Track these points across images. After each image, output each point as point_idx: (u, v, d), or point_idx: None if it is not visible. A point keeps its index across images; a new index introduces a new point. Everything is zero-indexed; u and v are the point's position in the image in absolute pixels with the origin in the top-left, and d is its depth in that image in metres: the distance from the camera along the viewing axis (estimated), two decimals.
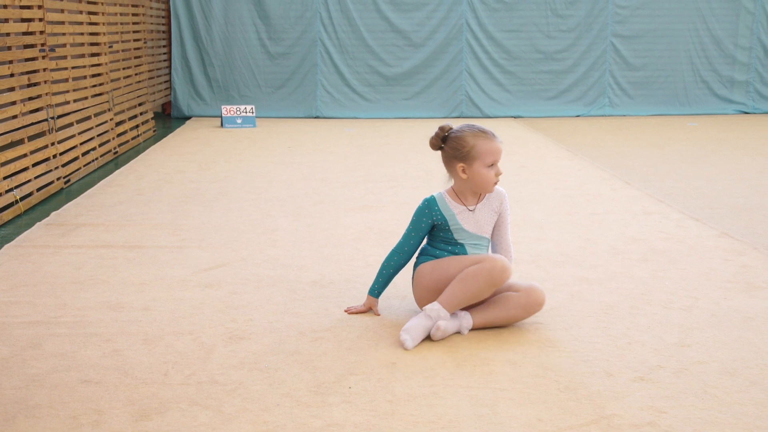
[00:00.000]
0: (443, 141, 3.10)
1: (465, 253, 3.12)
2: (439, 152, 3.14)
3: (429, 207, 3.11)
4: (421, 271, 3.13)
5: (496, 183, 3.08)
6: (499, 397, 2.50)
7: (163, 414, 2.37)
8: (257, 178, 6.14)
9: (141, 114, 8.53)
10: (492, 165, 3.04)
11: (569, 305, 3.32)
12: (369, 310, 3.25)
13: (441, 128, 3.10)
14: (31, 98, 5.56)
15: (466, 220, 3.10)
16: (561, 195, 5.52)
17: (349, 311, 3.25)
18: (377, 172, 6.41)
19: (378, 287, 3.23)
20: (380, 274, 3.23)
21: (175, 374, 2.64)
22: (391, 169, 6.55)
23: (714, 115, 10.63)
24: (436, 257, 3.13)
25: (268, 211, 5.04)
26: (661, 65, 10.68)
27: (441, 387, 2.56)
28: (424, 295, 3.13)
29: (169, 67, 10.65)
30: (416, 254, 3.22)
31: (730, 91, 10.81)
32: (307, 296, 3.43)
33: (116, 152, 7.34)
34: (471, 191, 3.11)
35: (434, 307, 2.95)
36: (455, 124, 3.14)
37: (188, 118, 10.29)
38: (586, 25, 10.49)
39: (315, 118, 10.37)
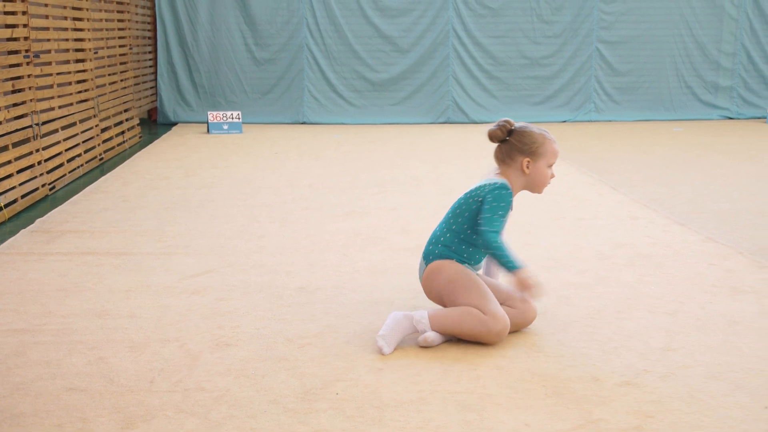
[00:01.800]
0: (509, 134, 3.11)
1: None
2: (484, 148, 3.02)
3: (510, 196, 3.02)
4: (443, 268, 3.04)
5: (546, 185, 3.15)
6: (487, 402, 2.50)
7: (150, 422, 2.36)
8: (244, 184, 6.13)
9: (127, 120, 8.50)
10: (550, 166, 3.11)
11: (556, 310, 3.33)
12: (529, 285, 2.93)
13: (507, 121, 3.12)
14: (15, 104, 5.53)
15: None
16: (548, 200, 5.54)
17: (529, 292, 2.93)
18: (364, 177, 6.41)
19: (516, 261, 2.94)
20: (510, 254, 2.93)
21: (162, 381, 2.63)
22: (377, 174, 6.55)
23: (699, 121, 10.70)
24: (457, 253, 3.06)
25: (255, 217, 5.03)
26: (646, 71, 10.75)
27: (428, 393, 2.56)
28: (431, 293, 3.11)
29: (155, 73, 10.62)
30: (443, 241, 3.09)
31: (715, 96, 10.89)
32: (294, 302, 3.42)
33: (102, 159, 7.31)
34: (522, 187, 3.13)
35: (422, 321, 2.94)
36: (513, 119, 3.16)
37: (174, 124, 10.26)
38: (572, 30, 10.55)
39: (302, 123, 10.36)
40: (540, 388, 2.60)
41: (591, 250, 4.29)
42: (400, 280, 3.74)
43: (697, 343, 2.99)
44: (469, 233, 3.06)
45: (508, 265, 2.94)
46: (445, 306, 3.08)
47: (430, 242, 3.15)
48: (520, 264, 2.93)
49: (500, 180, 3.05)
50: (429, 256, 3.11)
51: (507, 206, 3.01)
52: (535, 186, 3.13)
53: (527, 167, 3.07)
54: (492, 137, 3.14)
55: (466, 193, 3.11)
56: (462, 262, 3.07)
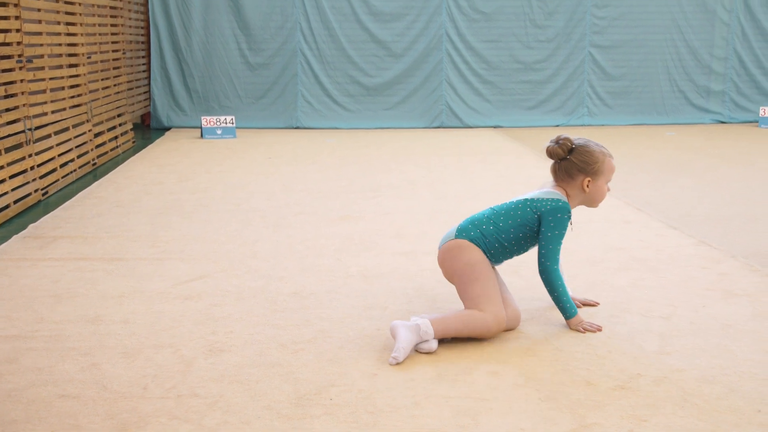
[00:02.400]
0: (569, 152, 3.13)
1: (516, 254, 3.16)
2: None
3: (569, 219, 3.09)
4: (470, 249, 3.07)
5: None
6: (481, 407, 2.50)
7: (143, 428, 2.35)
8: (237, 189, 6.12)
9: (120, 125, 8.48)
10: (608, 182, 3.18)
11: (549, 314, 3.33)
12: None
13: (567, 139, 3.15)
14: (8, 110, 5.52)
15: None
16: None
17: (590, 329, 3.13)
18: (358, 182, 6.41)
19: (573, 305, 3.14)
20: (564, 293, 3.10)
21: (155, 388, 2.62)
22: (372, 179, 6.55)
23: (691, 125, 10.73)
24: (489, 254, 3.09)
25: (249, 222, 5.02)
26: (638, 75, 10.78)
27: (422, 398, 2.56)
28: (446, 267, 3.13)
29: (149, 77, 10.61)
30: (483, 229, 3.10)
31: (707, 100, 10.93)
32: (287, 308, 3.42)
33: (95, 164, 7.30)
34: (580, 203, 3.18)
35: (428, 332, 2.91)
36: (573, 135, 3.22)
37: (168, 129, 10.25)
38: (565, 35, 10.57)
39: (295, 128, 10.36)
40: (534, 392, 2.60)
41: (584, 254, 4.29)
42: (395, 284, 3.74)
43: (690, 346, 2.99)
44: (510, 238, 3.10)
45: (564, 308, 3.11)
46: (451, 280, 3.13)
47: (470, 221, 3.16)
48: (573, 307, 3.12)
49: (562, 198, 3.08)
50: (462, 233, 3.11)
51: (564, 228, 3.06)
52: (593, 202, 3.19)
53: (587, 186, 3.12)
54: (552, 155, 3.16)
55: (524, 199, 3.14)
56: (487, 254, 3.09)
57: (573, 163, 3.11)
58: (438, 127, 10.47)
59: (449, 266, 3.12)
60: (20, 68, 5.72)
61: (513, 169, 7.05)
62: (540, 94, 10.69)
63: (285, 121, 10.40)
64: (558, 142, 3.14)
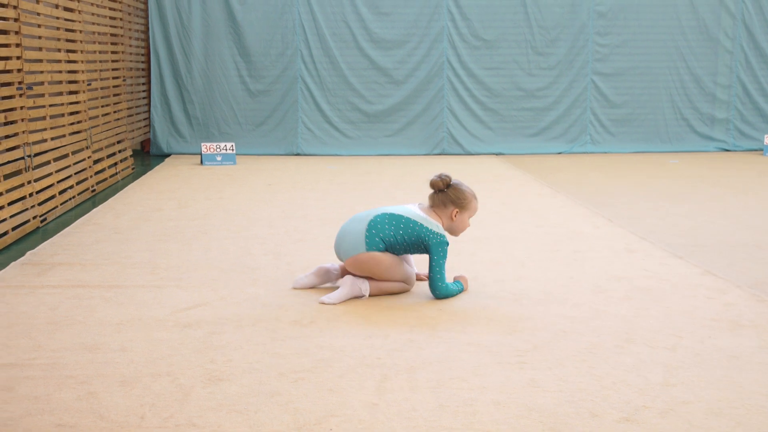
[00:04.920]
0: (447, 186, 4.01)
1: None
2: (430, 189, 4.05)
3: (447, 245, 3.96)
4: (382, 260, 3.91)
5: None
6: None
7: None
8: (237, 215, 6.13)
9: (119, 152, 8.52)
10: (470, 218, 4.07)
11: (552, 344, 3.32)
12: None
13: (447, 176, 4.02)
14: (7, 136, 5.55)
15: None
16: (543, 232, 5.55)
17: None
18: (359, 209, 6.41)
19: (460, 286, 4.08)
20: (456, 291, 4.02)
21: (152, 417, 2.61)
22: (372, 206, 6.55)
23: (695, 153, 10.77)
24: (391, 251, 3.95)
25: (248, 249, 5.02)
26: (641, 103, 10.83)
27: (424, 429, 2.55)
28: (360, 272, 3.95)
29: (149, 104, 10.67)
30: (382, 237, 3.93)
31: (711, 128, 10.98)
32: (287, 336, 3.41)
33: (94, 190, 7.32)
34: (447, 228, 4.03)
35: (364, 293, 3.94)
36: (451, 175, 4.10)
37: (167, 155, 10.29)
38: (567, 62, 10.65)
39: (296, 155, 10.40)
40: (538, 424, 2.59)
41: (587, 283, 4.29)
42: (395, 313, 3.73)
43: (696, 378, 2.98)
44: (406, 247, 3.95)
45: (458, 293, 4.02)
46: (385, 277, 3.98)
47: (373, 227, 3.93)
48: (460, 285, 4.05)
49: (441, 230, 3.92)
50: (372, 246, 3.92)
51: (446, 254, 3.94)
52: (456, 231, 4.06)
53: (455, 216, 4.00)
54: (434, 186, 4.03)
55: (416, 222, 3.91)
56: (391, 253, 3.98)
57: (448, 196, 4.00)
58: (439, 154, 10.51)
59: (364, 273, 3.96)
60: (20, 95, 5.76)
61: (515, 197, 7.06)
62: (542, 121, 10.74)
63: (285, 148, 10.44)
64: (441, 177, 4.01)
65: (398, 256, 4.02)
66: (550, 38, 10.58)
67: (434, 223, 3.92)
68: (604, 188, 7.69)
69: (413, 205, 4.04)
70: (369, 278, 3.99)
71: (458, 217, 3.99)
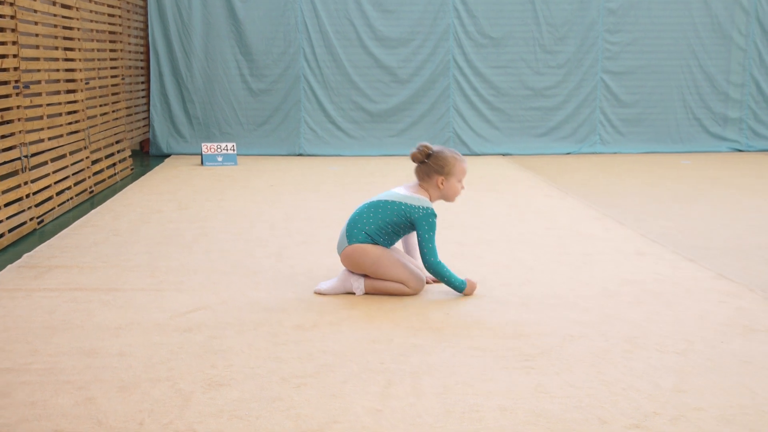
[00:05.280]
0: (427, 157, 4.00)
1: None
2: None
3: (436, 218, 3.96)
4: (366, 252, 3.96)
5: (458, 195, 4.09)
6: None
7: None
8: (238, 217, 6.15)
9: (118, 152, 8.54)
10: (460, 181, 4.04)
11: (561, 349, 3.32)
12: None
13: (425, 146, 4.02)
14: (4, 136, 5.57)
15: None
16: (552, 235, 5.55)
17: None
18: None
19: (460, 279, 4.03)
20: (452, 275, 4.00)
21: (151, 423, 2.62)
22: None
23: (707, 153, 10.76)
24: (375, 242, 3.99)
25: (250, 251, 5.03)
26: (652, 102, 10.83)
27: None
28: (353, 268, 4.01)
29: (148, 103, 10.70)
30: (367, 230, 3.99)
31: (723, 128, 10.96)
32: (289, 340, 3.42)
33: (92, 191, 7.34)
34: (438, 198, 4.05)
35: (360, 290, 4.02)
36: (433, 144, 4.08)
37: (167, 156, 10.31)
38: (576, 61, 10.64)
39: (298, 155, 10.41)
40: (545, 430, 2.59)
41: (596, 287, 4.29)
42: (399, 316, 3.74)
43: (708, 384, 2.98)
44: (390, 231, 3.98)
45: (455, 286, 3.99)
46: (362, 273, 4.02)
47: (354, 225, 4.02)
48: (462, 282, 4.00)
49: (426, 203, 3.94)
50: (352, 239, 3.99)
51: (436, 226, 3.93)
52: (448, 197, 4.07)
53: (441, 184, 4.01)
54: (414, 159, 4.05)
55: (397, 202, 3.97)
56: (378, 244, 3.99)
57: (430, 166, 4.00)
58: None
59: (357, 268, 4.01)
60: (17, 94, 5.78)
61: (523, 199, 7.06)
62: (550, 121, 10.74)
63: (287, 148, 10.46)
64: (419, 148, 4.02)
65: (396, 255, 4.03)
66: (559, 36, 10.58)
67: (417, 198, 3.95)
68: (614, 190, 7.68)
69: (400, 186, 4.10)
70: (366, 276, 4.05)
71: (446, 184, 4.00)
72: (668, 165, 9.58)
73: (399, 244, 4.33)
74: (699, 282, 4.38)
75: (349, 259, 4.01)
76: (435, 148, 4.04)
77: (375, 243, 3.99)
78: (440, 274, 3.96)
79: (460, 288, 4.01)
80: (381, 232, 3.98)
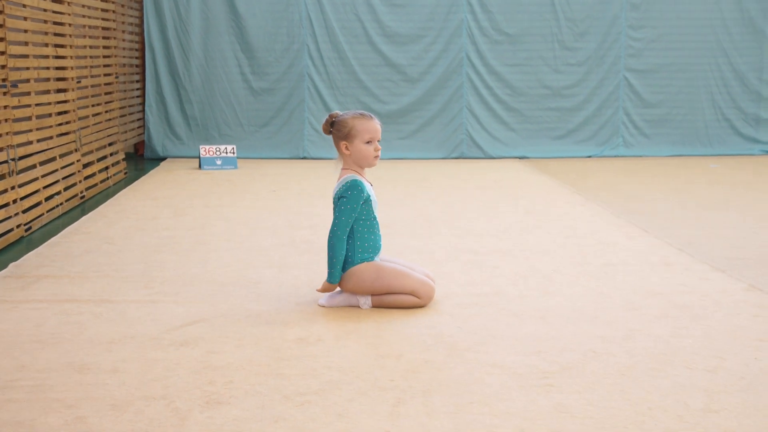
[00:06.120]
0: (332, 126, 4.02)
1: (378, 226, 4.05)
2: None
3: (361, 187, 3.92)
4: (365, 271, 3.94)
5: (376, 158, 4.04)
6: None
7: None
8: (238, 225, 6.15)
9: (111, 155, 8.57)
10: (370, 142, 3.99)
11: (582, 366, 3.31)
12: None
13: (330, 115, 4.02)
14: None
15: (372, 192, 4.03)
16: (572, 244, 5.54)
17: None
18: None
19: (339, 274, 3.97)
20: (338, 262, 3.94)
21: None
22: (384, 215, 6.55)
23: (738, 156, 10.73)
24: (368, 258, 3.97)
25: (250, 261, 5.04)
26: (679, 102, 10.80)
27: None
28: (360, 290, 3.97)
29: (143, 104, 10.73)
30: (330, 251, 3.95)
31: (756, 129, 10.93)
32: (292, 356, 3.41)
33: (83, 196, 7.36)
34: (357, 165, 4.03)
35: (367, 305, 4.01)
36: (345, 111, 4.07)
37: (163, 159, 10.34)
38: (597, 58, 10.63)
39: (302, 159, 10.43)
40: None
41: (620, 299, 4.27)
42: (409, 330, 3.73)
43: (740, 404, 2.96)
44: (359, 235, 3.95)
45: (332, 272, 3.94)
46: (376, 291, 3.98)
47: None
48: (336, 277, 3.95)
49: (344, 183, 3.92)
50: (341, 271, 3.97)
51: (355, 203, 3.89)
52: (361, 162, 4.02)
53: (347, 149, 4.00)
54: (323, 131, 4.07)
55: (334, 200, 3.97)
56: (367, 259, 3.98)
57: (334, 134, 4.02)
58: (458, 158, 10.52)
59: (359, 292, 4.00)
60: (4, 93, 5.81)
61: (541, 205, 7.05)
62: (570, 122, 10.73)
63: (291, 151, 10.47)
64: (326, 119, 4.02)
65: (393, 265, 4.01)
66: (579, 32, 10.57)
67: (340, 181, 3.98)
68: (638, 195, 7.66)
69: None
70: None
71: (351, 149, 3.99)
72: (696, 169, 9.56)
73: (385, 255, 4.23)
74: (730, 294, 4.35)
75: (348, 285, 4.01)
76: (340, 114, 4.04)
77: (359, 259, 3.97)
78: (333, 249, 3.92)
79: (331, 277, 3.97)
80: (356, 244, 3.97)
